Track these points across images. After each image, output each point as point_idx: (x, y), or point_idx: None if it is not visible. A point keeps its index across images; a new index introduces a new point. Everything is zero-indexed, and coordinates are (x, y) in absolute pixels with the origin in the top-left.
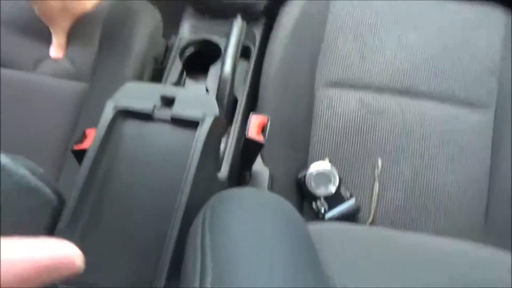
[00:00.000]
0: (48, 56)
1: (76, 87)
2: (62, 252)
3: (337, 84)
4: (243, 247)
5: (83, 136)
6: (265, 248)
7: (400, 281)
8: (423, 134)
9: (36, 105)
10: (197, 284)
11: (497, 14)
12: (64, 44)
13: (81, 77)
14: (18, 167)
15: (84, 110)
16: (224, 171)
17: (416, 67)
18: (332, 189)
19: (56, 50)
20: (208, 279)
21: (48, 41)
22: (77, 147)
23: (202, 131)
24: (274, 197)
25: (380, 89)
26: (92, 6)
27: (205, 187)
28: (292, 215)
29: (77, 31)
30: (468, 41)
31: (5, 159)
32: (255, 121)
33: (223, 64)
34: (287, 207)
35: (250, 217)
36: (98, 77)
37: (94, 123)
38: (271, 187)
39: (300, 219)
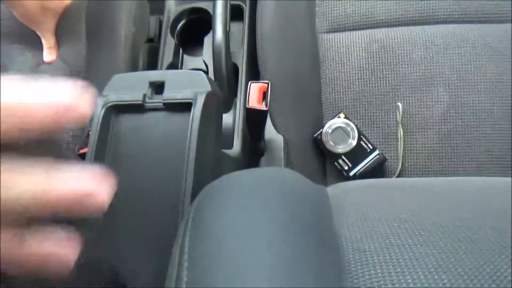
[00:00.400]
0: (42, 61)
1: None
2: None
3: (340, 27)
4: (225, 250)
5: (88, 137)
6: (247, 251)
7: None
8: (447, 63)
9: None
10: None
11: None
12: (54, 45)
13: (77, 76)
14: None
15: None
16: (236, 146)
17: None
18: (352, 144)
19: (48, 53)
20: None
21: (39, 46)
22: (82, 150)
23: (196, 111)
24: (272, 175)
25: (389, 23)
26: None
27: (212, 167)
28: (293, 189)
29: (63, 29)
30: None
31: None
32: (254, 89)
33: (213, 31)
34: (287, 181)
35: (234, 215)
36: (93, 71)
37: None
38: (288, 153)
39: (306, 190)
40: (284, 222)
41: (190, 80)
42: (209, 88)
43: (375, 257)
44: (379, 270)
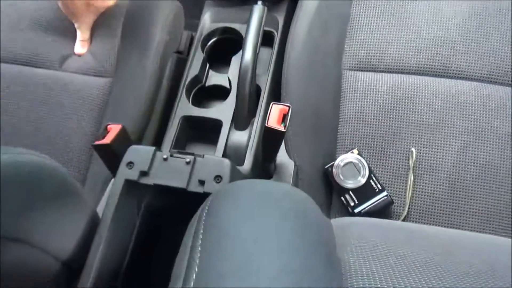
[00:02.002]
0: (72, 53)
1: (100, 82)
2: None
3: (366, 67)
4: (234, 245)
5: (105, 131)
6: (258, 247)
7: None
8: (463, 118)
9: (62, 102)
10: (180, 282)
11: None
12: (88, 39)
13: (104, 72)
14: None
15: (108, 105)
16: (247, 164)
17: (453, 45)
18: (361, 181)
19: (80, 46)
20: (192, 277)
21: (71, 38)
22: (98, 142)
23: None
24: (284, 190)
25: (414, 71)
26: (115, 0)
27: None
28: (305, 208)
29: (100, 26)
30: (505, 19)
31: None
32: (275, 110)
33: (243, 52)
34: (299, 200)
35: (248, 213)
36: (121, 71)
37: (118, 118)
38: (296, 179)
39: (316, 213)
40: (296, 234)
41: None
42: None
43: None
44: None
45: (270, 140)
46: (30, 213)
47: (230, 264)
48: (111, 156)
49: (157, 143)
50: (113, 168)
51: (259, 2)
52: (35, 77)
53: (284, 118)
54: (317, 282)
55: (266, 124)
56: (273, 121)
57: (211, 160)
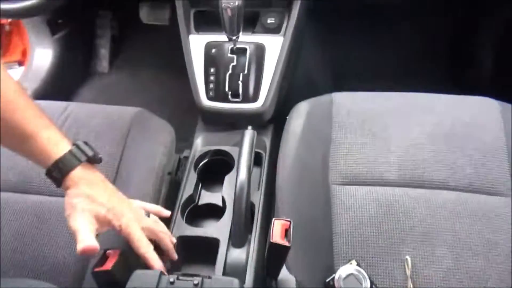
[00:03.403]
0: None
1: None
2: None
3: (351, 181)
4: None
5: (104, 257)
6: None
7: None
8: (449, 226)
9: (55, 228)
10: None
11: (491, 105)
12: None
13: None
14: None
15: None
16: (248, 282)
17: (425, 160)
18: None
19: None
20: None
21: None
22: (98, 268)
23: None
24: None
25: (394, 183)
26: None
27: None
28: None
29: None
30: (470, 134)
31: None
32: (278, 226)
33: (238, 172)
34: None
35: None
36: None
37: (117, 242)
38: None
39: None
40: None
41: None
42: None
43: None
44: None
45: (275, 255)
46: None
47: None
48: (111, 283)
49: None
50: None
51: (249, 127)
52: (27, 203)
53: (286, 233)
54: None
55: (271, 240)
56: (277, 237)
57: (220, 280)
